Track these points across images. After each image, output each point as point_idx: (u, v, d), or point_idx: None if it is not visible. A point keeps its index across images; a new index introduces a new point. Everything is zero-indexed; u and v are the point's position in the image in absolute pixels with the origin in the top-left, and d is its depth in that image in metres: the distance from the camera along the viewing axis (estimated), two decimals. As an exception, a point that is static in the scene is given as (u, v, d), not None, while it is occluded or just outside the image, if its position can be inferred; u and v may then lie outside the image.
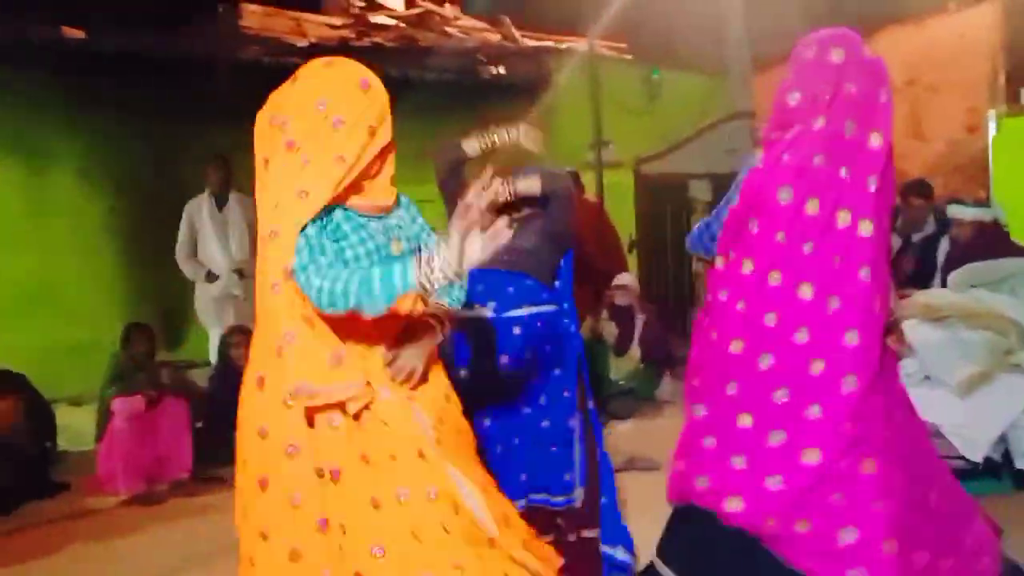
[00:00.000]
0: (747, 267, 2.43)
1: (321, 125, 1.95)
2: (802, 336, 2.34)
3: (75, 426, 5.66)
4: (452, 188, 2.89)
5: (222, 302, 6.07)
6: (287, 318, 1.92)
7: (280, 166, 1.97)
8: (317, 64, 2.05)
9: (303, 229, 1.89)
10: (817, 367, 2.32)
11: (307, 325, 1.91)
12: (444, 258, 1.78)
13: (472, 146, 2.95)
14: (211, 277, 6.03)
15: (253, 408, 2.05)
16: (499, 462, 2.85)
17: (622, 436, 5.47)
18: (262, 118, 2.07)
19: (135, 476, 4.82)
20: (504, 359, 2.90)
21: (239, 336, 5.60)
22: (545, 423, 3.01)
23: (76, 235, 6.87)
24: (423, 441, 1.98)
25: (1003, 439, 3.78)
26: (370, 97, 2.00)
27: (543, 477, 3.02)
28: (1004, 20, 9.35)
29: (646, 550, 3.52)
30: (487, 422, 2.92)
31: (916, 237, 5.37)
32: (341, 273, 1.85)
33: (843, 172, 2.36)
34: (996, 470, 3.90)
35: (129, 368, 5.07)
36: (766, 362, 2.38)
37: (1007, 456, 3.80)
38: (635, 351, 6.53)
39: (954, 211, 4.83)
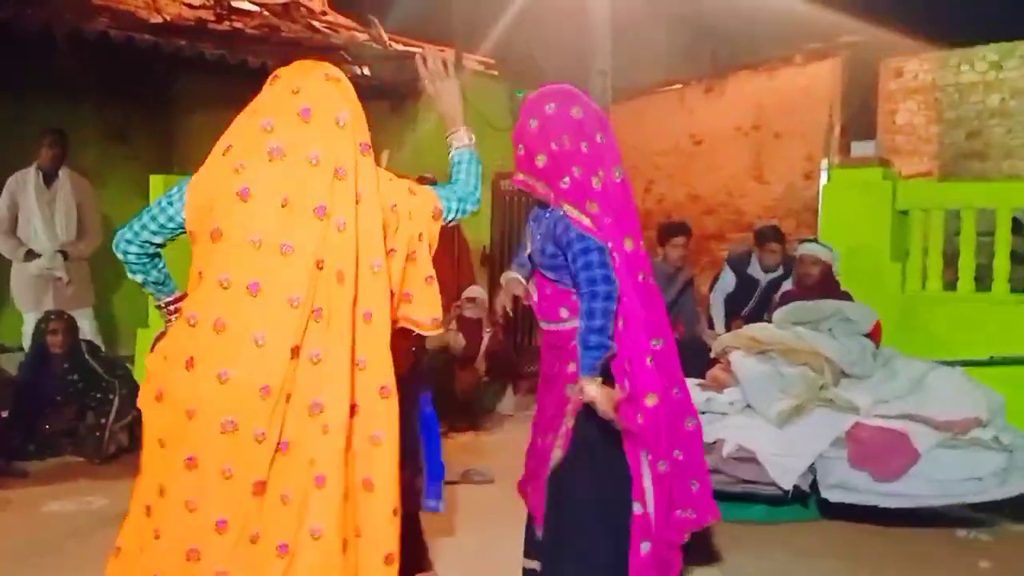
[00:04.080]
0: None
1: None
2: None
3: None
4: None
5: (41, 283, 5.65)
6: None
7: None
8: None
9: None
10: None
11: None
12: None
13: None
14: (31, 256, 5.62)
15: None
16: None
17: (461, 448, 5.47)
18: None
19: (-74, 467, 4.41)
20: None
21: (57, 322, 5.24)
22: None
23: None
24: None
25: (812, 469, 4.01)
26: None
27: None
28: (843, 76, 10.08)
29: (473, 561, 3.55)
30: None
31: (767, 278, 5.71)
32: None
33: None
34: (804, 498, 4.13)
35: (-72, 350, 4.65)
36: None
37: (814, 485, 4.04)
38: (480, 364, 6.55)
39: (811, 248, 5.10)
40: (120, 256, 2.21)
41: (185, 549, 1.97)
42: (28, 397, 5.08)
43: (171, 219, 2.12)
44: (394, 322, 2.15)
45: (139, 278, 2.24)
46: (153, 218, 2.13)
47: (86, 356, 5.33)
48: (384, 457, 2.06)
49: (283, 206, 1.97)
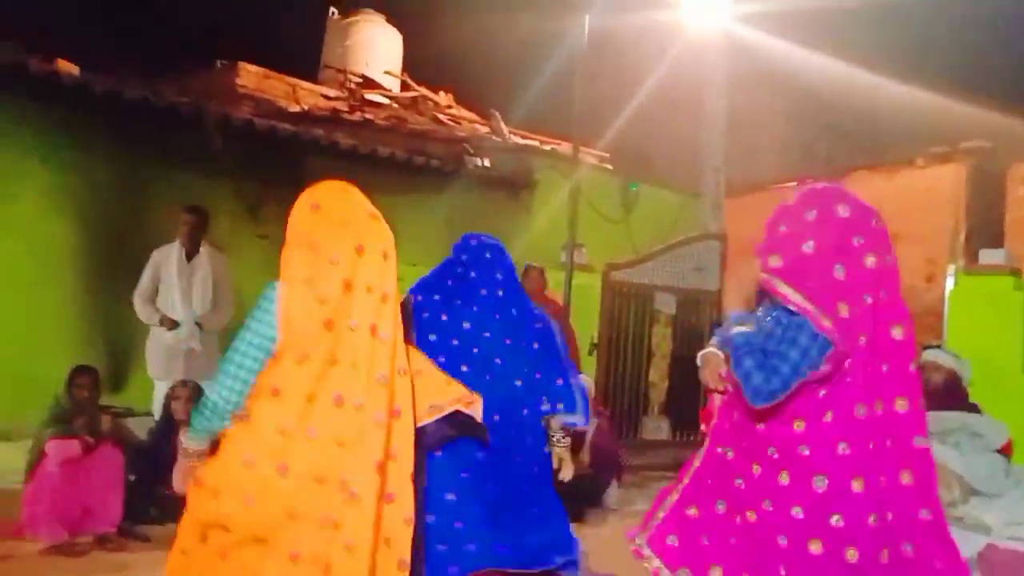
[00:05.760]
0: None
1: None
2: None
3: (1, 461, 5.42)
4: None
5: (174, 354, 5.91)
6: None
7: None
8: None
9: None
10: None
11: None
12: None
13: None
14: (169, 323, 5.90)
15: None
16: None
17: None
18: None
19: (59, 524, 4.59)
20: None
21: (184, 389, 5.46)
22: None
23: (35, 265, 6.71)
24: None
25: (940, 591, 3.78)
26: None
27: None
28: (968, 181, 9.81)
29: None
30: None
31: None
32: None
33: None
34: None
35: (70, 411, 4.91)
36: None
37: (941, 609, 3.80)
38: (584, 455, 6.48)
39: (935, 355, 4.88)
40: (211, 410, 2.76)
41: None
42: (154, 462, 5.29)
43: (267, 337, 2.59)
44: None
45: (216, 425, 2.77)
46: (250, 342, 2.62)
47: (210, 425, 5.53)
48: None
49: (352, 329, 2.49)
